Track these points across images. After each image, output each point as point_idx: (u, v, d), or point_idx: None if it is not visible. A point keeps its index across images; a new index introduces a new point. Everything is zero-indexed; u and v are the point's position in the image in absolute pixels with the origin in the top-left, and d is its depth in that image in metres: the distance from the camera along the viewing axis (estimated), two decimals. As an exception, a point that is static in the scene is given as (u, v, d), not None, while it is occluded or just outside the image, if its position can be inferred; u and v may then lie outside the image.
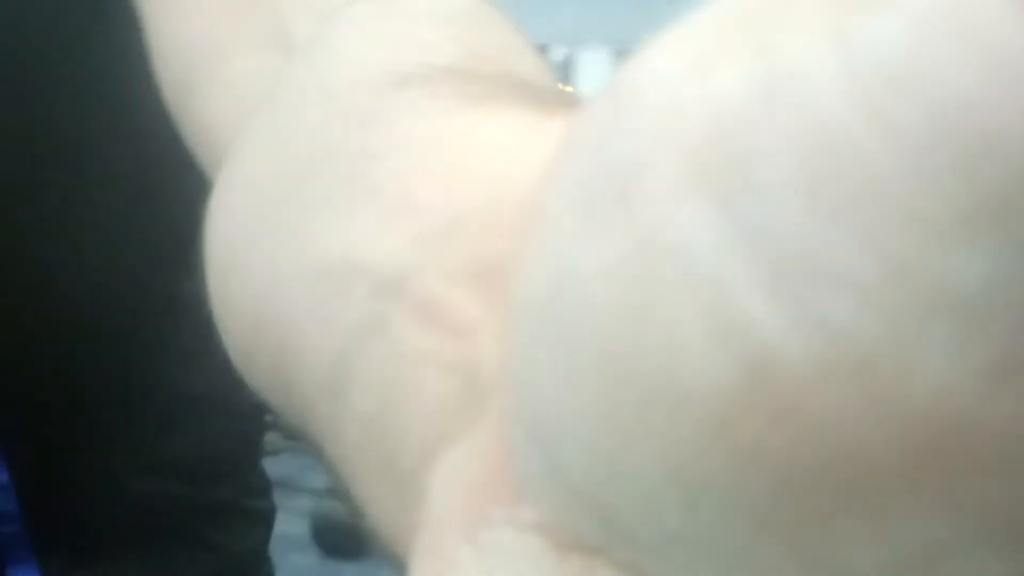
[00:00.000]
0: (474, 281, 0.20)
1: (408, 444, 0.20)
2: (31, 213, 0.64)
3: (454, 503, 0.17)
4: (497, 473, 0.17)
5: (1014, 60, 0.12)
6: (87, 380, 0.66)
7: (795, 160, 0.13)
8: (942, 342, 0.12)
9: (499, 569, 0.16)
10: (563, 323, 0.14)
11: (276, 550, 0.75)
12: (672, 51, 0.14)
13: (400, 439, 0.20)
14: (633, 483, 0.14)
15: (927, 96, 0.12)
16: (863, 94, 0.12)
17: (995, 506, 0.13)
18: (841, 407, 0.13)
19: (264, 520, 0.73)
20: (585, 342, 0.14)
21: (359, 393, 0.21)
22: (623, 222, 0.14)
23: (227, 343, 0.25)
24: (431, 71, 0.24)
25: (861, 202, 0.12)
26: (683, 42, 0.14)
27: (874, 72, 0.12)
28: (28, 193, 0.64)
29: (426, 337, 0.20)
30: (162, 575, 0.69)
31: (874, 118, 0.12)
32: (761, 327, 0.13)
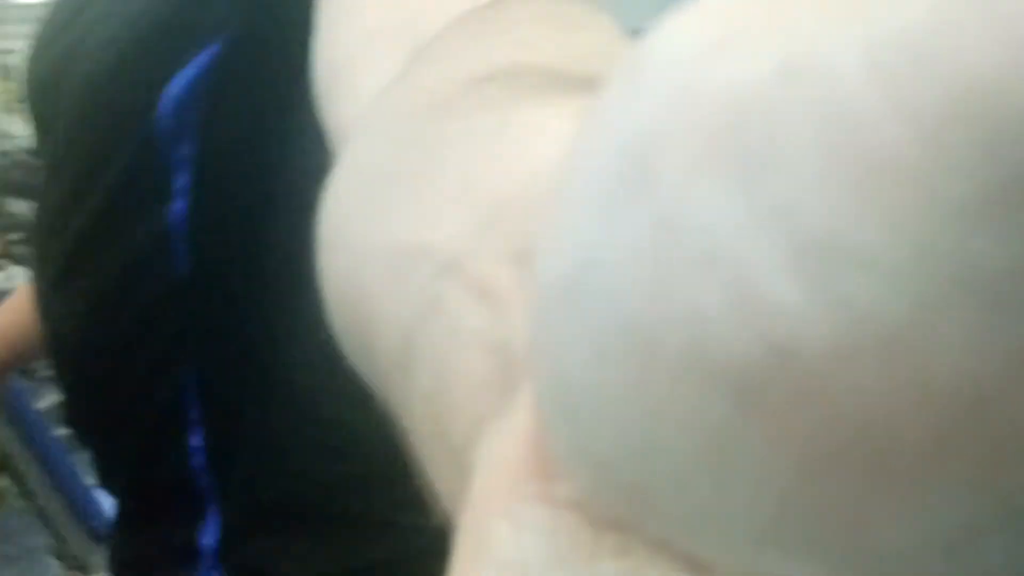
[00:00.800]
0: (515, 262, 0.20)
1: (458, 421, 0.20)
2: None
3: (493, 480, 0.18)
4: (532, 450, 0.17)
5: None
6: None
7: (817, 142, 0.12)
8: (966, 323, 0.12)
9: (535, 546, 0.16)
10: (589, 302, 0.15)
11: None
12: (690, 30, 0.14)
13: (452, 416, 0.21)
14: (663, 459, 0.14)
15: (949, 79, 0.12)
16: (885, 77, 0.12)
17: (1021, 487, 0.13)
18: (866, 387, 0.13)
19: (414, 533, 0.79)
20: (611, 321, 0.14)
21: (420, 370, 0.22)
22: (643, 202, 0.14)
23: (331, 320, 0.27)
24: (519, 68, 0.25)
25: (884, 183, 0.12)
26: (702, 21, 0.14)
27: (896, 55, 0.12)
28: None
29: (477, 316, 0.21)
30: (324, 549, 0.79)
31: (896, 101, 0.12)
32: (784, 307, 0.13)
